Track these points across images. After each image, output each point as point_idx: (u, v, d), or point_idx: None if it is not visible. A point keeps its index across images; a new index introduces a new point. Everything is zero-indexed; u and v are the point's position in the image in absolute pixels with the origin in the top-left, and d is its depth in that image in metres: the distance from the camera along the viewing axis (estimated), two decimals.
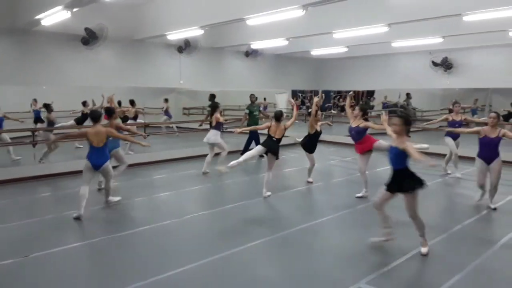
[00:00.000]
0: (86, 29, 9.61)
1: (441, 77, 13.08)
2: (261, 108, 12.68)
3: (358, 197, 7.00)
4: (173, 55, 11.81)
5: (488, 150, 6.22)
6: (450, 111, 9.03)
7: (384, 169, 10.10)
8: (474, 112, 14.17)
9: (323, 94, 9.75)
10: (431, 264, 4.51)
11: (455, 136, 8.60)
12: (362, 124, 6.83)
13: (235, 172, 9.16)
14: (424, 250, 4.65)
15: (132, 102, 12.31)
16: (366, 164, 7.01)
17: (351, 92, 7.77)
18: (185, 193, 7.71)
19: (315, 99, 8.15)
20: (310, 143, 8.02)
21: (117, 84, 11.60)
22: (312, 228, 5.70)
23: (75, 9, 7.45)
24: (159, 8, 9.69)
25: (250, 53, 13.52)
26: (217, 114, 9.02)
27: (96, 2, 7.43)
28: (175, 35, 10.12)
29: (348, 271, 4.35)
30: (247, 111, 10.92)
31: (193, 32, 9.62)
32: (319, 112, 8.08)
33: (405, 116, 4.58)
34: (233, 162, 6.77)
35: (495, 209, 6.42)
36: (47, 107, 10.29)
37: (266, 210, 6.66)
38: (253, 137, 10.60)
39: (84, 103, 12.04)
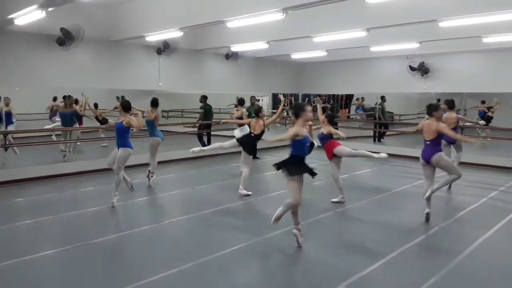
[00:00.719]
0: (62, 29, 9.38)
1: (418, 81, 13.34)
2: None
3: (333, 202, 7.00)
4: (151, 56, 11.65)
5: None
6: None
7: (364, 171, 10.22)
8: None
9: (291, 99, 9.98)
10: (409, 267, 4.55)
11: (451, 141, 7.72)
12: (326, 130, 6.89)
13: (217, 175, 9.09)
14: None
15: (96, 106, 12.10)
16: (336, 169, 6.88)
17: (316, 98, 7.89)
18: (164, 197, 7.59)
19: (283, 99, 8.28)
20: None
21: (94, 86, 11.35)
22: (285, 234, 5.67)
23: (50, 9, 7.23)
24: (138, 9, 9.53)
25: (230, 56, 13.47)
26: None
27: (72, 1, 7.26)
28: (154, 37, 9.97)
29: (325, 276, 4.34)
30: (246, 113, 10.96)
31: (173, 34, 9.51)
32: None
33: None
34: (196, 149, 7.11)
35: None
36: None
37: (246, 215, 6.61)
38: None
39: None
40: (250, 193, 7.28)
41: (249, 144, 7.13)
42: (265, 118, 7.63)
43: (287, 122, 14.55)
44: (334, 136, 6.84)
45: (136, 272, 4.37)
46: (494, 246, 5.27)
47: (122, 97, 10.81)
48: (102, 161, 9.90)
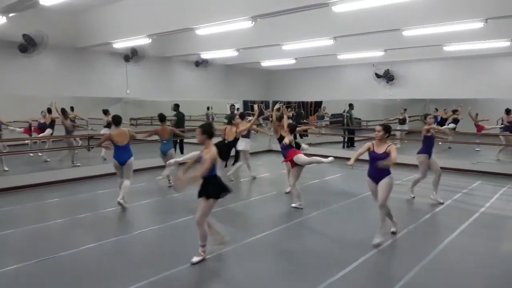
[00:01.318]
0: (25, 35, 9.04)
1: (383, 88, 13.73)
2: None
3: (293, 207, 7.16)
4: (119, 64, 11.42)
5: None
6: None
7: (333, 177, 10.37)
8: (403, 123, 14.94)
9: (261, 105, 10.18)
10: (378, 270, 4.64)
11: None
12: (288, 140, 7.07)
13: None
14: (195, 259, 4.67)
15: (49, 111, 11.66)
16: (294, 177, 6.99)
17: (276, 105, 8.10)
18: (134, 207, 7.41)
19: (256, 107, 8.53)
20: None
21: (58, 94, 10.98)
22: (263, 238, 5.68)
23: (11, 14, 6.98)
24: (104, 15, 9.33)
25: (200, 63, 13.42)
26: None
27: (34, 7, 7.02)
28: (121, 44, 9.78)
29: (301, 279, 4.36)
30: (225, 121, 10.95)
31: (141, 41, 9.35)
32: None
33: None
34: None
35: None
36: None
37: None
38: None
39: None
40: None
41: (224, 150, 7.35)
42: (239, 125, 7.86)
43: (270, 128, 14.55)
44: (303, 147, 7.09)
45: (104, 284, 4.23)
46: (460, 246, 5.45)
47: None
48: (65, 171, 9.64)
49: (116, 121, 6.99)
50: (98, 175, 9.94)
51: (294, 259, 4.95)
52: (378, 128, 5.32)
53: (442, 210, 7.07)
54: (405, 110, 14.86)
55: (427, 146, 7.41)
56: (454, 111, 14.01)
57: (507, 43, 9.08)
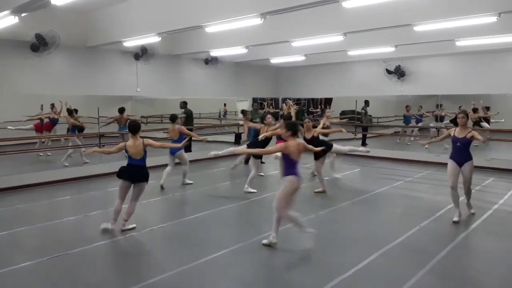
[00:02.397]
0: (37, 35, 9.16)
1: (394, 84, 13.60)
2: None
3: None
4: (129, 62, 11.50)
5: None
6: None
7: (348, 173, 10.32)
8: (418, 121, 14.69)
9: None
10: (390, 268, 4.60)
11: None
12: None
13: (202, 180, 9.02)
14: None
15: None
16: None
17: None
18: (144, 205, 7.45)
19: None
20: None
21: (70, 93, 11.11)
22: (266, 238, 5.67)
23: (23, 14, 7.06)
24: (114, 14, 9.40)
25: (209, 61, 13.44)
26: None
27: (46, 7, 7.09)
28: (131, 42, 9.85)
29: (312, 275, 4.34)
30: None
31: (150, 39, 9.41)
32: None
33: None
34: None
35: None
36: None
37: (226, 220, 6.57)
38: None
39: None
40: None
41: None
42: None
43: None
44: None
45: (117, 280, 4.26)
46: (473, 244, 5.38)
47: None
48: (76, 169, 9.73)
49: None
50: (108, 173, 10.01)
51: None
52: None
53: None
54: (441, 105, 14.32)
55: None
56: (487, 108, 13.42)
57: None
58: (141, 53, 11.39)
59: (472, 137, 5.97)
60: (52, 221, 6.39)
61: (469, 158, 6.09)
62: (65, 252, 5.01)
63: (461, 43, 9.85)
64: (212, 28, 8.04)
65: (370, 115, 16.24)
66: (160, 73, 12.50)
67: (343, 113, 17.72)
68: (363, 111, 14.44)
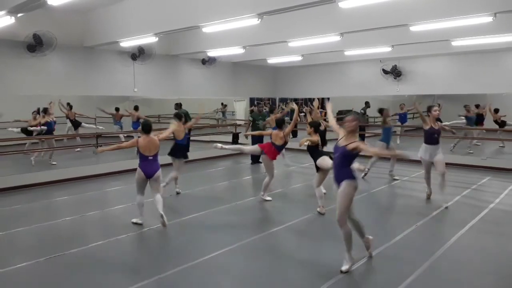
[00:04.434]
0: (35, 35, 9.13)
1: (391, 84, 13.64)
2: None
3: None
4: (126, 62, 11.47)
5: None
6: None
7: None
8: (403, 120, 14.71)
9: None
10: (386, 267, 4.62)
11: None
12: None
13: (202, 179, 9.02)
14: None
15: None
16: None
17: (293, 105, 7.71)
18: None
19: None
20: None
21: (67, 93, 11.09)
22: (268, 236, 5.69)
23: (19, 14, 7.04)
24: (111, 14, 9.38)
25: (206, 61, 13.43)
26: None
27: (42, 7, 7.07)
28: (128, 42, 9.84)
29: (308, 276, 4.36)
30: (251, 118, 10.90)
31: (147, 39, 9.40)
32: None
33: None
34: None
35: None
36: None
37: (221, 221, 6.58)
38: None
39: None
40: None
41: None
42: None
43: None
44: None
45: (115, 281, 4.27)
46: (468, 243, 5.41)
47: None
48: (73, 170, 9.71)
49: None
50: (105, 174, 10.02)
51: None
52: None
53: (451, 206, 7.01)
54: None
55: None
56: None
57: None
58: (138, 53, 11.38)
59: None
60: (50, 222, 6.38)
61: None
62: (63, 252, 5.01)
63: (457, 43, 9.90)
64: (209, 28, 8.04)
65: (367, 115, 16.29)
66: (157, 74, 12.48)
67: (340, 112, 17.76)
68: (362, 111, 14.46)
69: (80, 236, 5.71)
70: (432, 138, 7.00)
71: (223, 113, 17.71)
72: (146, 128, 6.02)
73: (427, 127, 7.02)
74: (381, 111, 9.30)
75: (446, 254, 4.96)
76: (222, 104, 17.32)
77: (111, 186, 9.00)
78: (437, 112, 7.07)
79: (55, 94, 11.03)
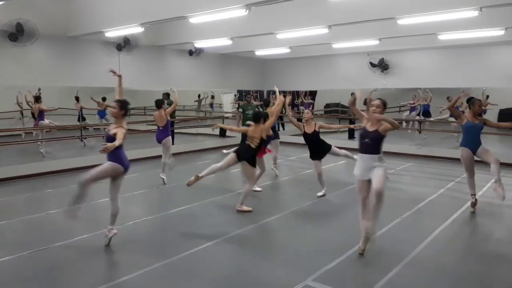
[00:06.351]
0: (18, 24, 8.89)
1: (378, 77, 13.72)
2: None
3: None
4: (111, 53, 11.28)
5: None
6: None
7: (335, 164, 10.39)
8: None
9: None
10: (372, 259, 4.67)
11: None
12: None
13: (183, 174, 8.97)
14: None
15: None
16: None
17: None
18: (127, 198, 7.38)
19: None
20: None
21: (50, 84, 10.86)
22: (256, 229, 5.70)
23: (1, 2, 6.85)
24: (96, 4, 9.19)
25: (194, 52, 13.30)
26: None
27: None
28: (113, 32, 9.67)
29: (293, 270, 4.38)
30: (240, 110, 10.79)
31: (133, 30, 9.25)
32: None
33: None
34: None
35: None
36: None
37: (211, 213, 6.56)
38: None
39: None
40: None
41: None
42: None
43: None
44: None
45: (99, 275, 4.23)
46: (451, 235, 5.50)
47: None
48: (58, 162, 9.56)
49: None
50: (90, 166, 9.86)
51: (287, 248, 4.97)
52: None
53: (436, 199, 7.12)
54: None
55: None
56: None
57: (502, 32, 9.07)
58: (124, 44, 11.20)
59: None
60: (34, 215, 6.28)
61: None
62: (46, 246, 4.93)
63: (443, 37, 9.98)
64: (196, 19, 7.94)
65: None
66: (143, 65, 12.31)
67: (327, 105, 17.82)
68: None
69: (64, 230, 5.63)
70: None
71: (211, 105, 17.60)
72: (158, 104, 8.05)
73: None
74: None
75: (431, 246, 5.03)
76: (198, 96, 17.14)
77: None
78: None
79: (37, 85, 10.83)
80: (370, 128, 4.70)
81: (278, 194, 7.81)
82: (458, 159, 6.63)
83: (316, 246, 5.02)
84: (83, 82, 11.14)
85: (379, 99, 4.76)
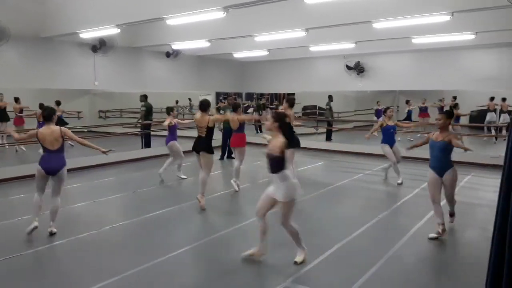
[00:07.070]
0: None
1: (354, 80, 13.94)
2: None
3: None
4: (86, 54, 11.05)
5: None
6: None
7: (309, 167, 10.46)
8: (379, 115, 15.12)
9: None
10: (352, 257, 4.73)
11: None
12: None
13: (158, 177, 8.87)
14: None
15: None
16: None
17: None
18: (103, 202, 7.25)
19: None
20: None
21: (23, 86, 10.56)
22: (235, 232, 5.69)
23: None
24: (70, 4, 8.98)
25: (171, 54, 13.19)
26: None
27: None
28: (89, 34, 9.46)
29: (272, 272, 4.39)
30: (222, 112, 10.72)
31: (109, 31, 9.08)
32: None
33: None
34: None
35: None
36: None
37: (191, 216, 6.51)
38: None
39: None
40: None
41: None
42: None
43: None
44: None
45: (77, 280, 4.13)
46: (426, 233, 5.63)
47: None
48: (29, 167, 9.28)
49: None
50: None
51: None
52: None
53: (411, 199, 7.28)
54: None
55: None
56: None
57: (472, 36, 9.38)
58: (99, 45, 10.99)
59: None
60: (6, 221, 6.07)
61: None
62: (20, 253, 4.78)
63: (417, 40, 10.23)
64: (173, 21, 7.88)
65: (332, 109, 16.59)
66: (119, 66, 12.11)
67: (305, 108, 17.98)
68: (327, 106, 14.69)
69: (36, 237, 5.46)
70: None
71: (190, 107, 17.52)
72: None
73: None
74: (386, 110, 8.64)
75: (408, 244, 5.14)
76: (176, 102, 17.13)
77: (72, 183, 8.67)
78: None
79: (10, 87, 10.50)
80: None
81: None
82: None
83: (288, 250, 5.04)
84: (58, 84, 10.87)
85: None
